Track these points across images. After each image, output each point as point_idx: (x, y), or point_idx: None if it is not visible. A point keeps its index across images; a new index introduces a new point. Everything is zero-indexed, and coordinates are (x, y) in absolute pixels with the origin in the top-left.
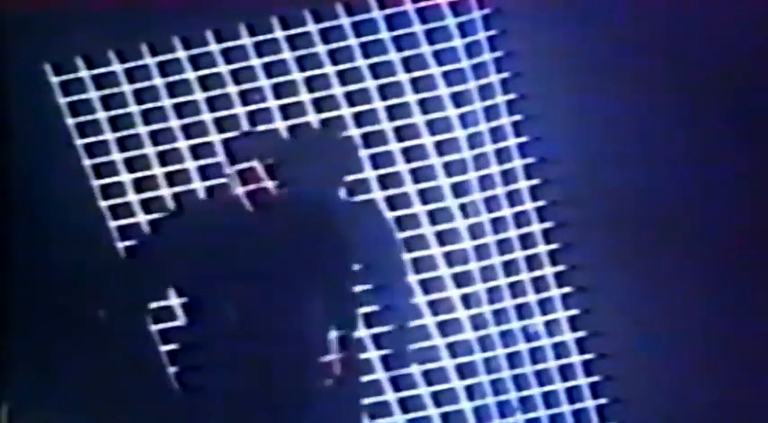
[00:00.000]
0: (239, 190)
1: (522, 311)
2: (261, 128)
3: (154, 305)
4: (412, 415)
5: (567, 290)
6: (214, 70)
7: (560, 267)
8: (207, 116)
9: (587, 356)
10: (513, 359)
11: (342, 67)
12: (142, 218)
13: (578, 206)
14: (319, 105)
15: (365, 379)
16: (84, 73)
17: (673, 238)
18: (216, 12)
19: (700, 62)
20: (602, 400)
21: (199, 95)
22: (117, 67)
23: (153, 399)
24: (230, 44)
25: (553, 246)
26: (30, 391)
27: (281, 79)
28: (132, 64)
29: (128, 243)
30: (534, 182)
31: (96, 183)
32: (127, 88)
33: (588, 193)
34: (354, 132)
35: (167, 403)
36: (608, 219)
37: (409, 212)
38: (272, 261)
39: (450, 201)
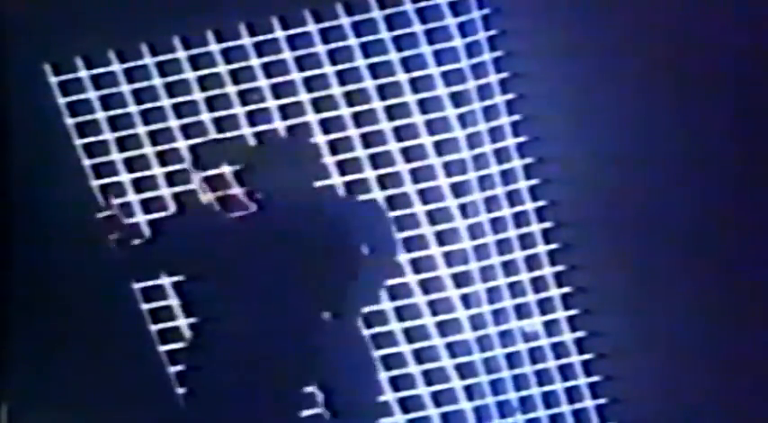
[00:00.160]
0: (239, 191)
1: (522, 311)
2: (258, 129)
3: (154, 305)
4: (412, 415)
5: (566, 290)
6: (214, 70)
7: (560, 267)
8: (206, 116)
9: (587, 356)
10: (512, 359)
11: (341, 67)
12: (142, 218)
13: (578, 206)
14: (318, 105)
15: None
16: (83, 73)
17: (673, 238)
18: (216, 12)
19: (700, 62)
20: (602, 400)
21: (199, 95)
22: (116, 67)
23: (153, 399)
24: (230, 44)
25: (553, 246)
26: (30, 391)
27: (281, 79)
28: (132, 64)
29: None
30: (534, 182)
31: (96, 183)
32: (126, 88)
33: (588, 193)
34: (353, 132)
35: (167, 403)
36: (608, 219)
37: (408, 212)
38: (272, 261)
39: (450, 201)
